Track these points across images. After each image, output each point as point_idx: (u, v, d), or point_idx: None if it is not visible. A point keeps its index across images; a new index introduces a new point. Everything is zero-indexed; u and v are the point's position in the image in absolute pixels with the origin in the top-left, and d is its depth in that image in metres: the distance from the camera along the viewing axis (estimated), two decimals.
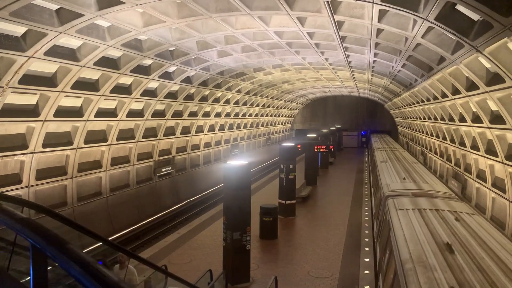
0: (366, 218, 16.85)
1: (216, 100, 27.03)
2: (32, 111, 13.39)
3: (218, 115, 29.54)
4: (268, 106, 40.29)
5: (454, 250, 6.39)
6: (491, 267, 5.73)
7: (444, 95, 16.76)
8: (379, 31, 12.58)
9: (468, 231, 7.59)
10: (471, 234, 7.44)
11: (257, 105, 36.56)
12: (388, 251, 8.19)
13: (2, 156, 12.86)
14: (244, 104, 32.97)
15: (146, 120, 20.28)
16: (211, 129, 29.78)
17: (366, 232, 14.86)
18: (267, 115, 42.90)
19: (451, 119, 18.43)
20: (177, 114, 23.37)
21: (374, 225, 14.64)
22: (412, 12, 9.33)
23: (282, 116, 50.21)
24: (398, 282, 6.01)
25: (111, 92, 16.02)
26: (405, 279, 5.69)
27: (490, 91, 11.30)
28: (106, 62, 14.40)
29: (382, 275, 8.51)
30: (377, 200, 14.69)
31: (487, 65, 10.69)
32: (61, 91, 13.63)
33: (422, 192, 11.82)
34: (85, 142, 16.51)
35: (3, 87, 11.35)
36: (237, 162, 10.52)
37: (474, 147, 16.40)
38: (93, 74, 14.75)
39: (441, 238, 7.10)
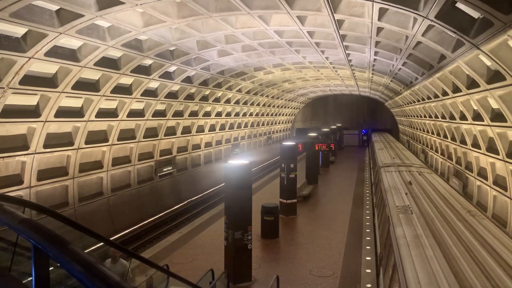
0: (368, 217, 16.85)
1: (217, 100, 27.02)
2: (33, 112, 13.41)
3: (218, 114, 29.54)
4: (269, 105, 40.28)
5: (412, 184, 12.32)
6: (431, 192, 11.12)
7: (444, 93, 16.74)
8: (379, 29, 12.58)
9: (422, 177, 13.99)
10: (424, 178, 13.74)
11: (258, 105, 36.55)
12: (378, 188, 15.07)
13: (3, 157, 12.87)
14: (245, 103, 32.96)
15: (147, 120, 20.29)
16: (212, 128, 29.79)
17: (368, 230, 14.86)
18: (267, 114, 42.88)
19: (452, 117, 18.42)
20: (178, 114, 23.38)
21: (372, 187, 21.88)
22: (412, 10, 9.33)
23: (283, 115, 50.20)
24: (383, 198, 12.11)
25: (111, 92, 16.03)
26: (386, 195, 11.31)
27: (491, 89, 11.29)
28: (107, 63, 14.41)
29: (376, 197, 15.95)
30: (374, 171, 22.07)
31: (488, 62, 10.68)
32: (62, 92, 13.64)
33: (403, 163, 18.20)
34: (86, 142, 16.53)
35: (3, 88, 11.36)
36: (238, 162, 10.52)
37: (475, 145, 16.39)
38: (93, 75, 14.76)
39: (406, 179, 13.25)
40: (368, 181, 26.64)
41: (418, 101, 24.14)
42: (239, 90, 28.47)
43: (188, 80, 20.75)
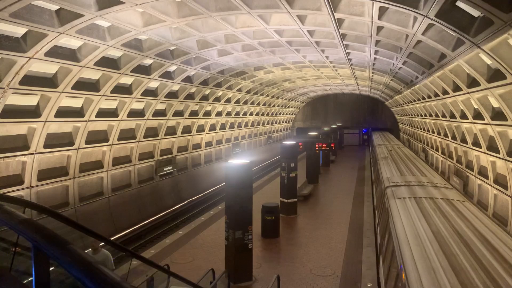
0: (368, 216, 16.85)
1: (217, 99, 27.02)
2: (33, 112, 13.41)
3: (219, 114, 29.54)
4: (269, 105, 40.27)
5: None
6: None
7: (445, 92, 16.73)
8: (379, 28, 12.57)
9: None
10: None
11: (258, 104, 36.54)
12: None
13: (3, 157, 12.88)
14: (245, 103, 32.95)
15: (147, 120, 20.29)
16: (212, 128, 29.78)
17: (368, 230, 14.86)
18: (268, 114, 42.87)
19: (452, 116, 18.40)
20: (178, 114, 23.38)
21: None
22: (412, 9, 9.32)
23: (283, 114, 50.18)
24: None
25: (111, 92, 16.03)
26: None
27: (491, 88, 11.28)
28: (107, 62, 14.41)
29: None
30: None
31: (488, 61, 10.67)
32: (62, 92, 13.64)
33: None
34: (87, 142, 16.53)
35: (4, 88, 11.36)
36: (239, 161, 10.52)
37: (476, 143, 16.37)
38: (93, 74, 14.75)
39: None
40: (368, 179, 26.63)
41: (419, 100, 24.13)
42: (239, 90, 28.46)
43: (188, 79, 20.74)
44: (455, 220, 8.45)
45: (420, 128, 31.35)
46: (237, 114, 33.39)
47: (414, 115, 31.16)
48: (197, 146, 28.11)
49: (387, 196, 11.67)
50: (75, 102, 15.20)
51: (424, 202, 10.23)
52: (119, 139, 18.69)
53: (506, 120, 11.81)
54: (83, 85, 14.55)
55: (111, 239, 8.41)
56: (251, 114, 37.04)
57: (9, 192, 13.03)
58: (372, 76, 25.66)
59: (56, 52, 11.99)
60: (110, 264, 8.06)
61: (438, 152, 25.65)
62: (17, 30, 10.43)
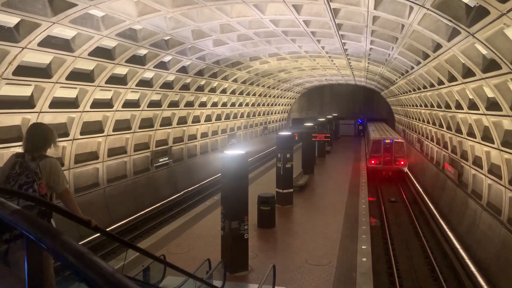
0: (364, 206, 16.94)
1: (212, 90, 26.91)
2: (27, 103, 13.30)
3: (214, 104, 29.44)
4: (265, 96, 40.18)
5: None
6: None
7: (440, 82, 16.75)
8: (375, 18, 12.51)
9: None
10: None
11: (254, 95, 36.44)
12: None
13: None
14: (241, 93, 32.85)
15: (142, 110, 20.20)
16: (208, 119, 29.71)
17: (363, 219, 14.94)
18: (263, 105, 42.80)
19: (448, 106, 18.45)
20: (173, 104, 23.28)
21: None
22: None
23: (279, 105, 50.11)
24: None
25: (106, 82, 15.92)
26: None
27: (486, 78, 11.30)
28: (101, 52, 14.28)
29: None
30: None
31: (484, 51, 10.67)
32: (56, 82, 13.53)
33: None
34: (81, 133, 16.45)
35: None
36: (234, 152, 10.51)
37: (471, 134, 16.45)
38: (88, 65, 14.63)
39: None
40: (364, 171, 26.73)
41: (414, 90, 24.15)
42: (235, 80, 28.35)
43: (184, 70, 20.62)
44: None
45: (416, 119, 31.42)
46: (233, 104, 33.30)
47: (410, 106, 31.21)
48: (192, 137, 28.06)
49: None
50: (70, 93, 15.09)
51: None
52: (114, 130, 18.61)
53: (501, 110, 11.86)
54: (77, 76, 14.43)
55: (107, 230, 8.41)
56: (246, 104, 36.95)
57: None
58: (368, 66, 25.63)
59: (49, 42, 11.87)
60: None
61: (433, 142, 25.75)
62: (10, 20, 10.30)
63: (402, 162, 30.80)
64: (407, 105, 32.84)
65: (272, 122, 50.52)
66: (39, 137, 4.20)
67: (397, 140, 31.36)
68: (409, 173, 32.48)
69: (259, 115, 43.19)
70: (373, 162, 30.93)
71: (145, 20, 12.44)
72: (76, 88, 14.99)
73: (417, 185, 28.74)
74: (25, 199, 3.57)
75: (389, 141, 30.97)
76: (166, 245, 12.33)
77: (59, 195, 4.21)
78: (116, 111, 17.98)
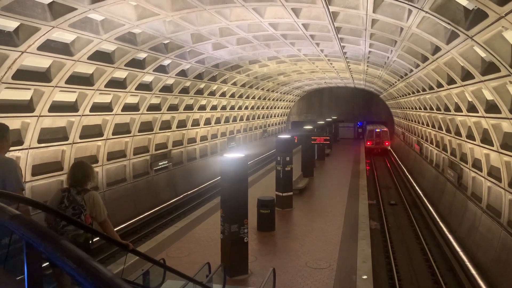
0: (363, 209, 16.92)
1: (212, 93, 26.94)
2: (26, 107, 13.30)
3: (214, 108, 29.46)
4: (264, 99, 40.21)
5: None
6: None
7: (439, 85, 16.78)
8: (374, 21, 12.53)
9: None
10: None
11: (253, 98, 36.47)
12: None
13: None
14: (240, 96, 32.88)
15: (142, 114, 20.20)
16: (207, 122, 29.71)
17: (363, 222, 14.93)
18: (263, 108, 42.83)
19: (447, 109, 18.47)
20: (173, 108, 23.29)
21: None
22: (407, 2, 9.31)
23: (278, 108, 50.15)
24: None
25: (105, 86, 15.92)
26: None
27: (485, 81, 11.32)
28: (100, 56, 14.29)
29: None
30: None
31: (482, 54, 10.69)
32: (56, 86, 13.53)
33: None
34: (81, 137, 16.44)
35: None
36: (234, 155, 10.50)
37: (470, 136, 16.46)
38: (87, 69, 14.65)
39: None
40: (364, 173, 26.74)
41: (413, 93, 24.19)
42: (234, 83, 28.39)
43: (183, 73, 20.65)
44: None
45: (415, 121, 31.45)
46: (232, 108, 33.33)
47: (409, 108, 31.24)
48: (192, 140, 28.06)
49: None
50: (69, 97, 15.09)
51: None
52: (113, 134, 18.60)
53: (500, 112, 11.87)
54: (76, 80, 14.43)
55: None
56: (246, 108, 36.98)
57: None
58: (367, 69, 25.67)
59: (49, 46, 11.87)
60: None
61: (433, 145, 25.77)
62: (10, 24, 10.31)
63: (386, 143, 46.67)
64: (406, 108, 32.88)
65: (272, 125, 50.53)
66: (82, 173, 4.86)
67: (383, 130, 46.64)
68: (391, 150, 48.77)
69: (258, 118, 43.21)
70: (368, 143, 46.21)
71: (144, 24, 12.46)
72: (75, 92, 15.00)
73: (416, 188, 28.75)
74: (27, 204, 3.64)
75: (378, 130, 46.32)
76: (165, 249, 12.31)
77: (100, 223, 4.92)
78: (115, 114, 17.97)
